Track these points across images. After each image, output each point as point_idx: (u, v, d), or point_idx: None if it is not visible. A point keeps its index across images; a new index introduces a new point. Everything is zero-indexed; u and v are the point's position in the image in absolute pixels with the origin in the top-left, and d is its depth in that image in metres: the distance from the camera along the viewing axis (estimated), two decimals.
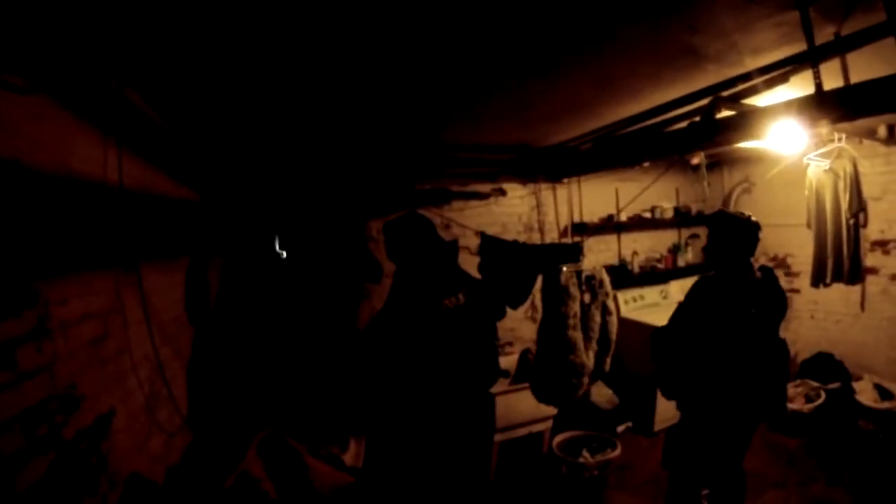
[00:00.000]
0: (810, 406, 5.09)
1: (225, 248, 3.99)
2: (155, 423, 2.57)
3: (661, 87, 3.06)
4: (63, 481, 1.76)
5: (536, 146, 4.57)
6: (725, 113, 3.02)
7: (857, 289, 5.12)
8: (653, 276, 6.00)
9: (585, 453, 4.56)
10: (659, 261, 6.14)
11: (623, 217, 5.69)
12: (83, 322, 1.98)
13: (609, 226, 5.70)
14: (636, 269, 5.91)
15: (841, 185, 4.59)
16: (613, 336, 3.90)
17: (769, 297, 3.12)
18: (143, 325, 2.54)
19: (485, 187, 5.03)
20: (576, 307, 3.60)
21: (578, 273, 3.68)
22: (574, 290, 3.58)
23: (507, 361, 5.07)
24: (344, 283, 4.08)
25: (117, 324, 2.29)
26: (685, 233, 6.52)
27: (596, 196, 5.61)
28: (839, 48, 2.41)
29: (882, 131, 4.54)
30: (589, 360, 3.70)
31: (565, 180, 5.25)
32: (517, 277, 3.74)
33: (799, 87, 2.76)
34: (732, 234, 3.13)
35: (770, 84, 2.82)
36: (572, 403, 3.80)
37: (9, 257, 1.58)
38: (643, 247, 6.10)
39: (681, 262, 6.27)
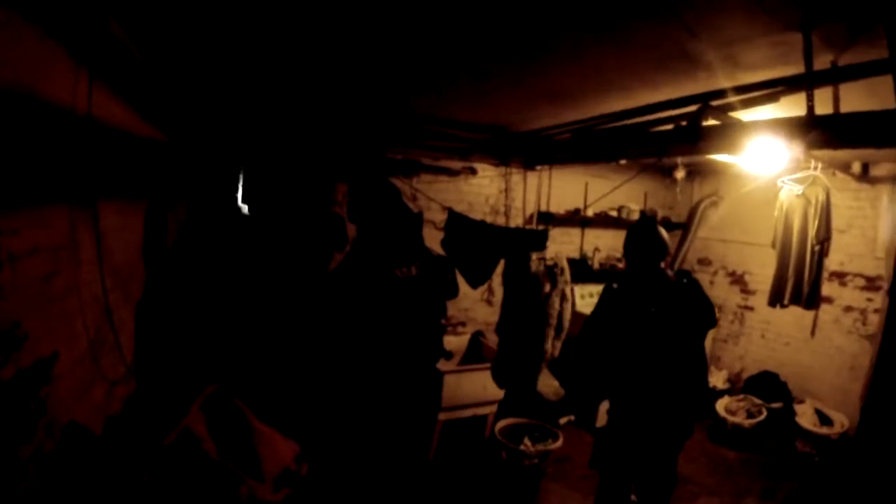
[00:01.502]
0: (752, 421, 5.23)
1: (187, 194, 3.79)
2: (99, 371, 2.41)
3: (648, 88, 3.03)
4: None
5: (513, 130, 4.50)
6: (711, 122, 3.01)
7: (810, 314, 5.25)
8: (612, 274, 5.98)
9: (527, 441, 4.59)
10: (619, 260, 6.15)
11: (590, 213, 5.69)
12: (34, 255, 1.81)
13: (575, 219, 5.69)
14: (596, 266, 5.93)
15: (811, 211, 4.67)
16: (567, 323, 3.94)
17: (686, 301, 3.12)
18: (95, 265, 2.36)
19: (455, 164, 4.94)
20: (540, 294, 3.61)
21: (544, 261, 3.68)
22: (541, 278, 3.58)
23: (459, 342, 5.05)
24: (307, 246, 3.93)
25: (69, 261, 2.11)
26: None
27: (565, 188, 5.60)
28: (835, 77, 2.42)
29: (856, 167, 4.77)
30: (548, 346, 3.73)
31: (538, 168, 5.19)
32: (481, 257, 3.70)
33: (785, 108, 2.80)
34: (640, 236, 3.20)
35: (758, 101, 2.83)
36: (526, 390, 3.82)
37: None
38: (605, 244, 6.12)
39: None
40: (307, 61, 2.92)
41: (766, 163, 3.84)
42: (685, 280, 3.17)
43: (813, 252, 4.73)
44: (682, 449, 3.31)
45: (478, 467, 4.58)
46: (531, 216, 5.45)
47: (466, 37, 2.41)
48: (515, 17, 2.16)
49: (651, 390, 3.07)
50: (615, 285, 3.25)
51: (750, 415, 5.29)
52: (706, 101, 2.96)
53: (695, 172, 6.22)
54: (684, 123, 3.18)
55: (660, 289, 3.11)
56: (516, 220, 5.36)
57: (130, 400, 2.79)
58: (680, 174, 4.69)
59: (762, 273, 4.05)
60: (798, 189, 4.72)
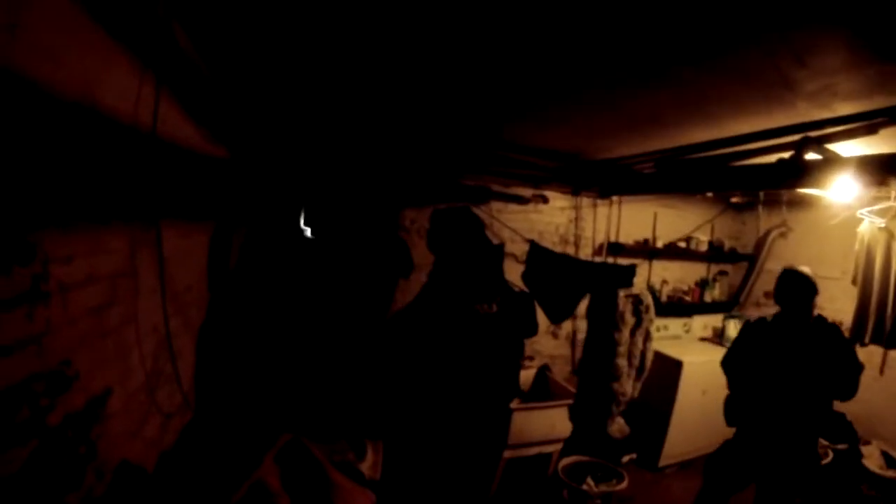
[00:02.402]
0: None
1: (250, 216, 3.60)
2: (154, 404, 2.20)
3: (740, 118, 2.78)
4: (44, 475, 1.40)
5: (584, 157, 4.21)
6: (812, 156, 2.77)
7: (878, 352, 4.80)
8: (679, 307, 5.64)
9: (590, 481, 4.25)
10: (686, 293, 5.78)
11: (660, 244, 5.32)
12: (87, 285, 1.60)
13: (644, 250, 5.33)
14: (664, 298, 5.55)
15: (895, 245, 4.33)
16: (649, 363, 3.64)
17: (826, 343, 3.15)
18: (156, 293, 2.16)
19: (526, 191, 4.65)
20: (626, 334, 3.32)
21: (634, 298, 3.37)
22: (629, 317, 3.29)
23: (525, 375, 4.74)
24: (372, 273, 3.68)
25: (127, 290, 1.90)
26: (714, 268, 6.16)
27: (633, 218, 5.26)
28: None
29: None
30: (629, 388, 3.42)
31: (614, 198, 4.88)
32: (564, 292, 3.40)
33: (882, 140, 2.60)
34: (798, 287, 3.19)
35: (857, 133, 2.57)
36: (601, 431, 3.52)
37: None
38: (672, 276, 5.73)
39: (707, 298, 5.90)
40: (383, 84, 2.74)
41: (845, 194, 3.47)
42: (826, 324, 3.22)
43: None
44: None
45: None
46: (600, 246, 5.13)
47: (567, 65, 2.23)
48: (627, 46, 2.00)
49: (788, 422, 3.14)
50: (767, 318, 3.35)
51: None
52: (805, 133, 2.71)
53: (759, 202, 5.78)
54: (786, 155, 2.90)
55: (809, 329, 3.17)
56: (585, 251, 5.06)
57: (186, 432, 2.57)
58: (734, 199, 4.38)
59: (831, 307, 3.71)
60: (880, 222, 4.37)
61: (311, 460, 2.36)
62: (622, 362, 3.38)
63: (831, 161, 2.67)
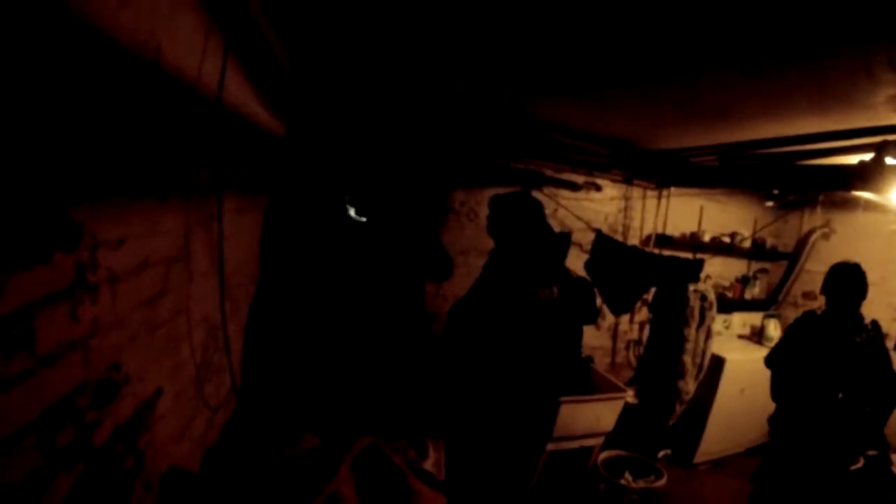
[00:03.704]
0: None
1: (302, 193, 3.26)
2: (201, 398, 1.90)
3: (815, 115, 2.55)
4: (90, 500, 1.09)
5: (642, 146, 3.86)
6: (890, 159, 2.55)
7: None
8: (720, 303, 5.21)
9: (628, 476, 4.01)
10: (728, 289, 5.45)
11: (706, 237, 4.97)
12: (141, 273, 1.28)
13: (690, 243, 4.97)
14: None
15: None
16: (707, 362, 3.36)
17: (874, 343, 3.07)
18: (209, 276, 1.85)
19: (579, 178, 4.31)
20: (693, 330, 3.02)
21: (700, 294, 3.06)
22: (697, 313, 2.98)
23: None
24: (409, 268, 3.33)
25: (180, 275, 1.59)
26: (755, 265, 5.81)
27: (679, 210, 4.91)
28: None
29: None
30: (692, 386, 3.15)
31: (672, 189, 4.56)
32: (628, 284, 3.10)
33: None
34: (851, 280, 3.12)
35: None
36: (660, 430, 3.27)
37: (38, 165, 0.87)
38: (715, 272, 5.40)
39: (747, 295, 5.57)
40: (439, 63, 2.50)
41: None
42: (871, 325, 3.12)
43: None
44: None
45: (576, 499, 3.96)
46: (648, 237, 4.80)
47: (650, 45, 1.98)
48: (717, 37, 1.81)
49: (835, 411, 3.03)
50: (817, 312, 3.23)
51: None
52: (885, 137, 2.53)
53: (803, 201, 5.39)
54: (866, 157, 2.66)
55: (858, 326, 3.07)
56: (633, 241, 4.74)
57: (231, 425, 2.28)
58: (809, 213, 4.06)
59: (868, 312, 3.41)
60: None
61: (390, 467, 2.06)
62: (688, 359, 3.10)
63: None
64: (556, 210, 4.12)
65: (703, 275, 5.13)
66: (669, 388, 3.15)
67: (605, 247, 3.24)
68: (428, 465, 2.47)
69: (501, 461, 3.07)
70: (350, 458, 1.87)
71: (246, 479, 1.81)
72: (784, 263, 5.76)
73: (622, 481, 3.90)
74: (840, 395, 3.01)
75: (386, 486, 1.90)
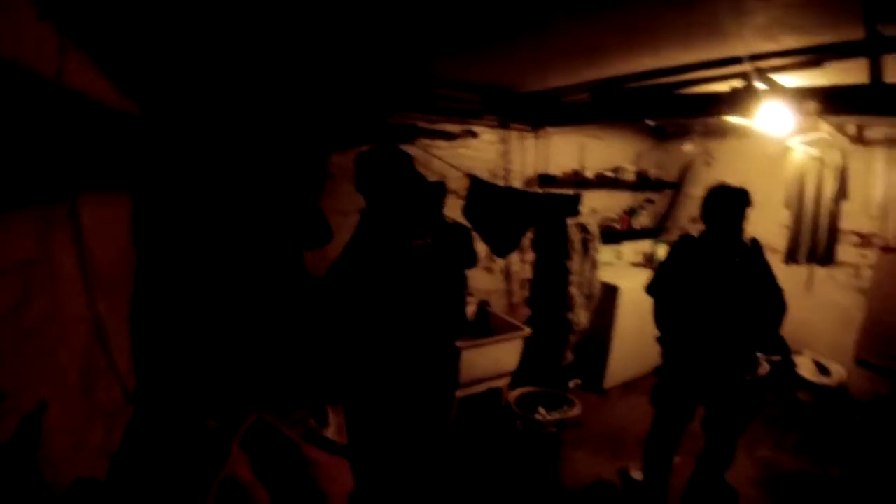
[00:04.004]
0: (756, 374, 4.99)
1: (170, 176, 3.08)
2: (95, 406, 1.82)
3: (684, 46, 2.64)
4: None
5: (519, 90, 3.96)
6: (759, 84, 2.74)
7: (803, 270, 5.06)
8: (608, 235, 5.52)
9: (542, 410, 4.19)
10: (615, 221, 5.73)
11: (589, 174, 5.21)
12: None
13: (574, 181, 5.19)
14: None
15: (826, 172, 4.58)
16: (597, 291, 3.53)
17: (754, 260, 3.13)
18: (77, 276, 1.75)
19: (454, 127, 4.36)
20: (578, 262, 3.17)
21: (581, 227, 3.22)
22: (579, 245, 3.14)
23: (465, 313, 4.57)
24: (284, 239, 3.27)
25: (43, 279, 1.50)
26: (641, 196, 6.14)
27: (561, 150, 5.06)
28: None
29: (852, 129, 4.60)
30: (583, 317, 3.32)
31: (549, 129, 4.69)
32: (508, 225, 3.19)
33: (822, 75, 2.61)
34: (727, 200, 3.09)
35: (804, 65, 2.54)
36: (556, 363, 3.43)
37: None
38: (601, 206, 5.65)
39: (635, 225, 5.89)
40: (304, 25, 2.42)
41: (780, 125, 3.45)
42: (751, 242, 3.15)
43: (830, 213, 4.66)
44: (751, 386, 3.39)
45: (496, 441, 4.13)
46: (530, 179, 4.92)
47: None
48: None
49: (722, 330, 3.08)
50: (694, 235, 3.21)
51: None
52: (755, 64, 2.66)
53: (684, 132, 5.79)
54: (737, 84, 2.83)
55: (739, 246, 3.09)
56: (515, 184, 4.81)
57: (131, 428, 2.20)
58: (688, 145, 4.36)
59: (754, 231, 3.77)
60: (813, 152, 4.58)
61: (282, 440, 2.07)
62: (575, 291, 3.25)
63: (781, 91, 2.64)
64: (430, 161, 4.14)
65: (588, 209, 5.43)
66: (561, 321, 3.29)
67: (481, 190, 3.29)
68: (329, 432, 2.50)
69: (403, 415, 3.12)
70: (238, 438, 1.86)
71: (148, 478, 1.77)
72: (669, 193, 6.17)
73: (537, 416, 4.08)
74: (725, 316, 3.07)
75: (281, 459, 1.92)
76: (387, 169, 2.79)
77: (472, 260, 3.21)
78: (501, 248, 3.28)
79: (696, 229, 3.21)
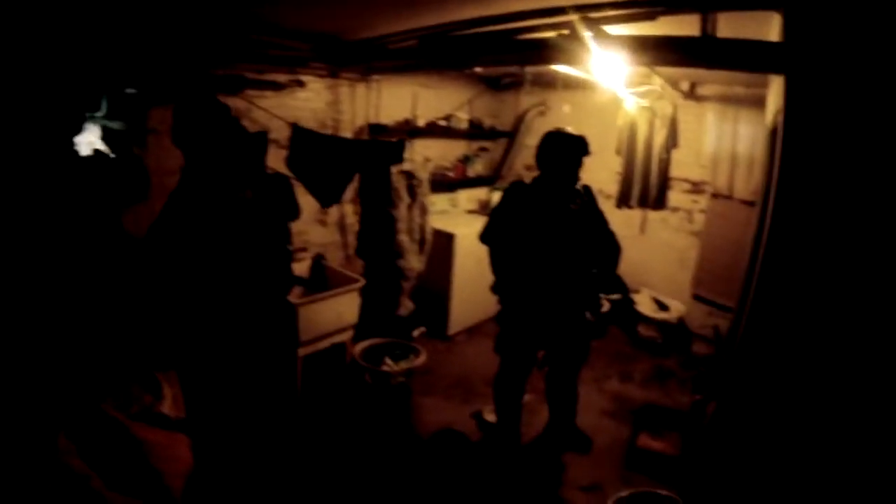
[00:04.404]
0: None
1: None
2: None
3: None
4: None
5: (347, 38, 3.86)
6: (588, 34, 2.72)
7: (638, 214, 5.50)
8: (443, 184, 5.73)
9: (389, 361, 4.26)
10: (450, 169, 5.87)
11: (421, 123, 5.25)
12: None
13: (405, 130, 5.21)
14: (428, 176, 5.54)
15: (658, 122, 4.97)
16: (429, 235, 3.60)
17: (589, 207, 3.21)
18: None
19: (282, 77, 4.18)
20: (404, 209, 3.17)
21: (407, 174, 3.21)
22: (404, 192, 3.13)
23: (301, 268, 4.48)
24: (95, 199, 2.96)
25: None
26: (475, 145, 6.33)
27: (393, 99, 5.06)
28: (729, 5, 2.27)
29: (685, 85, 5.02)
30: (415, 263, 3.34)
31: (371, 79, 4.63)
32: (333, 174, 3.11)
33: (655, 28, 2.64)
34: (561, 146, 3.10)
35: (636, 18, 2.57)
36: (393, 310, 3.44)
37: None
38: (435, 154, 5.75)
39: (470, 173, 6.09)
40: None
41: (612, 75, 3.63)
42: (584, 190, 3.22)
43: (660, 160, 5.05)
44: (590, 325, 3.46)
45: (346, 397, 4.12)
46: (361, 128, 4.86)
47: None
48: None
49: (557, 276, 3.13)
50: (526, 181, 3.22)
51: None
52: (585, 14, 2.64)
53: (519, 82, 5.99)
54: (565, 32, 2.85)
55: (571, 192, 3.13)
56: (345, 134, 4.74)
57: None
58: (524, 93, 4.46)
59: (590, 179, 4.00)
60: (644, 102, 4.92)
61: (110, 423, 1.87)
62: (404, 238, 3.26)
63: (609, 39, 2.64)
64: (255, 113, 3.94)
65: (422, 158, 5.50)
66: (392, 269, 3.29)
67: (304, 140, 3.18)
68: (165, 406, 2.36)
69: (236, 377, 3.01)
70: (62, 427, 1.68)
71: None
72: (504, 141, 6.41)
73: (384, 368, 4.14)
74: (559, 262, 3.12)
75: (110, 443, 1.76)
76: (201, 122, 2.70)
77: (294, 212, 3.15)
78: (326, 198, 3.21)
79: (531, 177, 3.22)
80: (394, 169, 3.15)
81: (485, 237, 3.28)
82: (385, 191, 3.12)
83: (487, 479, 3.39)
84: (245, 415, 3.30)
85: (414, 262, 3.36)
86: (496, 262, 3.27)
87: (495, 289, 3.32)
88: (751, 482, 2.32)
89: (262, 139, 3.00)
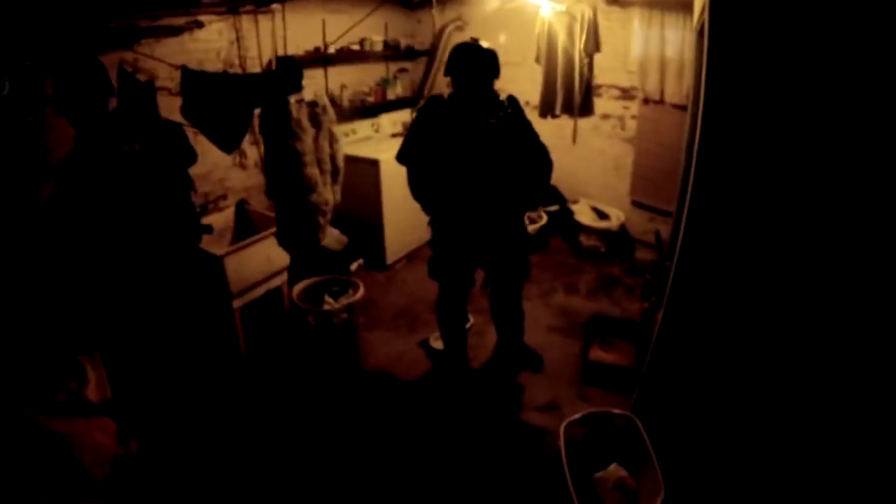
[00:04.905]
0: (534, 227, 5.40)
1: None
2: None
3: None
4: None
5: None
6: None
7: (569, 123, 5.45)
8: (363, 110, 5.63)
9: (329, 299, 4.29)
10: (368, 94, 5.74)
11: (332, 50, 5.08)
12: None
13: (316, 58, 5.04)
14: (345, 104, 5.45)
15: (577, 27, 4.83)
16: (341, 163, 3.54)
17: (514, 119, 3.09)
18: None
19: (179, 21, 3.98)
20: (309, 141, 3.08)
21: (310, 103, 3.09)
22: (306, 123, 3.03)
23: (226, 217, 4.45)
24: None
25: None
26: (393, 67, 6.20)
27: (301, 28, 4.86)
28: None
29: None
30: (328, 195, 3.28)
31: (273, 8, 4.42)
32: (229, 115, 2.96)
33: None
34: (473, 57, 2.99)
35: None
36: (313, 246, 3.39)
37: None
38: (352, 80, 5.61)
39: (390, 96, 5.97)
40: None
41: None
42: (508, 101, 3.12)
43: (582, 66, 4.95)
44: (526, 241, 3.46)
45: (291, 342, 4.12)
46: (269, 62, 4.68)
47: None
48: None
49: (482, 193, 3.09)
50: (443, 97, 3.11)
51: (531, 221, 5.40)
52: None
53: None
54: None
55: (493, 105, 3.04)
56: (254, 70, 4.58)
57: None
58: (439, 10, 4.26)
59: (515, 89, 3.89)
60: (560, 7, 4.79)
61: (21, 420, 1.81)
62: (313, 171, 3.16)
63: None
64: (136, 60, 3.73)
65: (338, 85, 5.33)
66: (306, 205, 3.20)
67: (194, 83, 2.99)
68: (90, 390, 2.30)
69: (164, 341, 2.99)
70: None
71: None
72: (424, 61, 6.25)
73: (325, 307, 4.17)
74: (483, 179, 3.05)
75: (23, 442, 1.71)
76: (76, 84, 2.62)
77: (190, 157, 3.08)
78: (228, 142, 3.05)
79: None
80: (292, 99, 3.00)
81: (401, 156, 3.20)
82: (285, 124, 2.98)
83: (442, 408, 3.41)
84: (180, 381, 3.30)
85: (327, 194, 3.26)
86: (414, 181, 3.22)
87: (424, 210, 3.30)
88: (700, 392, 2.41)
89: (148, 88, 2.89)
